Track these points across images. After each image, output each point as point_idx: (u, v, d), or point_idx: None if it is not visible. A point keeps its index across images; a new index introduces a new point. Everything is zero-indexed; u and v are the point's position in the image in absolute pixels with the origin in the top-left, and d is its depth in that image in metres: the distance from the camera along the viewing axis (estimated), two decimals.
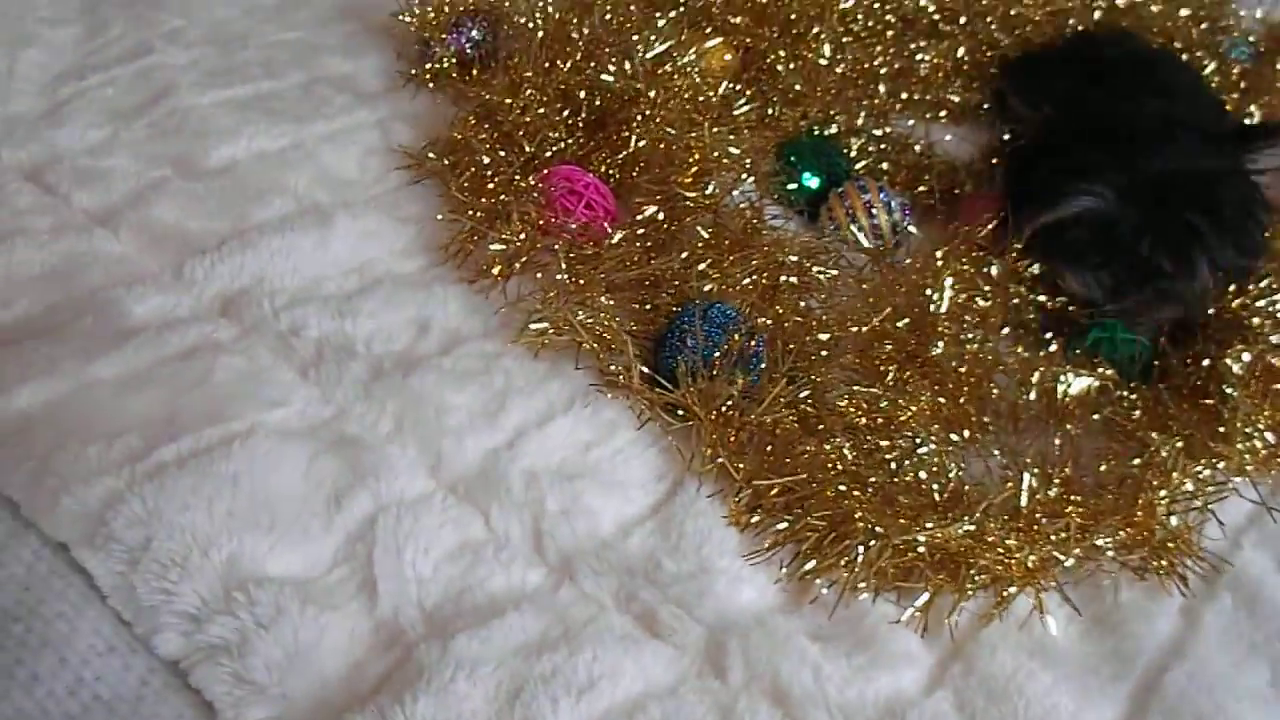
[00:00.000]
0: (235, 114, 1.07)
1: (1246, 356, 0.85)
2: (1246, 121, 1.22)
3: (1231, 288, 0.92)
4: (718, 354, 0.78)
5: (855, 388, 0.80)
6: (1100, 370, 0.86)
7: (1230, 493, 0.78)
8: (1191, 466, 0.77)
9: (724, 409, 0.76)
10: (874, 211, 1.00)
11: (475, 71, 1.14)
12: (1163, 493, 0.74)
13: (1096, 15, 1.39)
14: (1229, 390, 0.82)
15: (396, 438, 0.77)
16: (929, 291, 0.85)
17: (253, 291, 0.86)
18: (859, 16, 1.27)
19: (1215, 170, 0.96)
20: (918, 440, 0.77)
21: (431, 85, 1.14)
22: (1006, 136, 1.17)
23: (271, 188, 0.98)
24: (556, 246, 0.88)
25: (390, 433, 0.77)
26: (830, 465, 0.74)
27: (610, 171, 1.00)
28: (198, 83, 1.12)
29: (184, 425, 0.73)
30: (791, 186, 1.06)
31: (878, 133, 1.13)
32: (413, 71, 1.16)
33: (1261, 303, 0.91)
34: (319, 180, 1.00)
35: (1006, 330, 0.90)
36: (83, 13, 1.22)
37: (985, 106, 1.27)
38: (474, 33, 1.17)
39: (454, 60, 1.15)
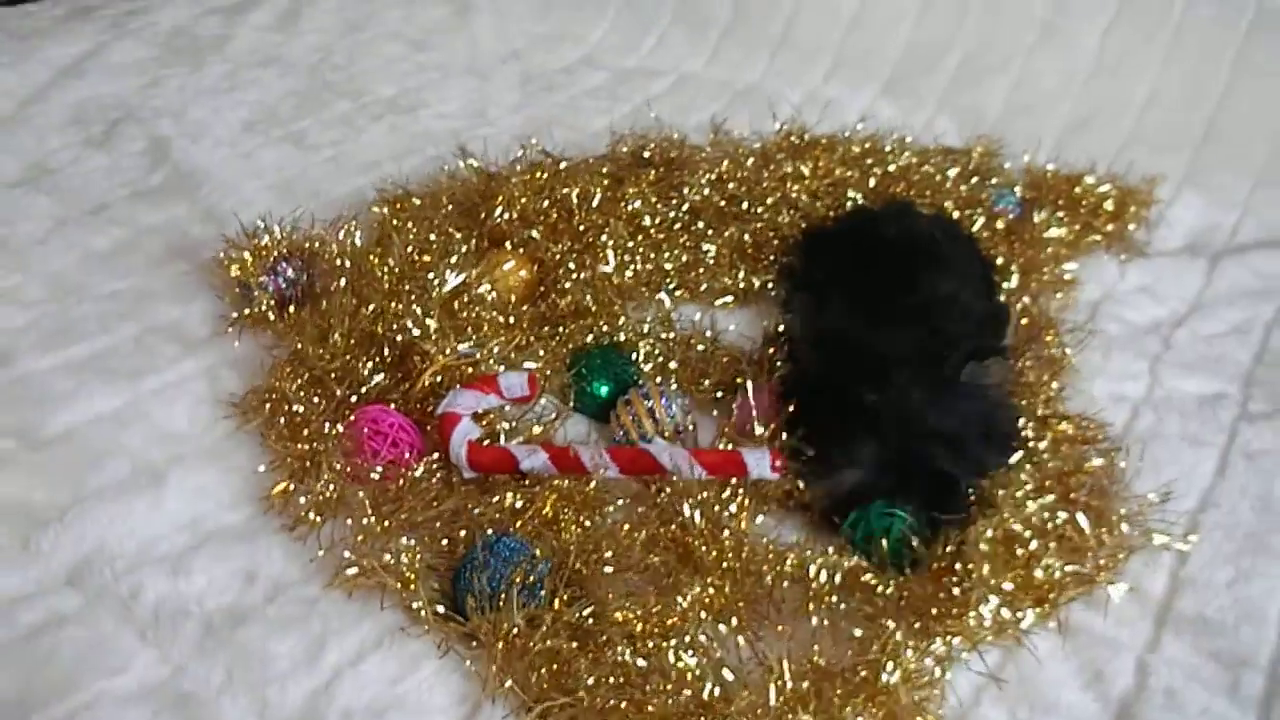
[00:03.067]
0: (73, 377, 1.18)
1: (989, 533, 0.98)
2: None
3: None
4: (502, 585, 0.91)
5: (630, 597, 0.93)
6: (853, 556, 1.00)
7: (962, 664, 0.92)
8: (925, 645, 0.90)
9: (512, 635, 0.88)
10: (656, 416, 1.14)
11: (293, 309, 1.26)
12: (898, 674, 0.88)
13: (872, 182, 1.56)
14: (970, 567, 0.96)
15: (228, 689, 0.88)
16: (685, 507, 0.98)
17: (94, 560, 0.97)
18: (646, 217, 1.41)
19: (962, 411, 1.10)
20: (687, 638, 0.90)
21: (254, 328, 1.26)
22: (781, 328, 1.30)
23: (108, 450, 1.09)
24: (361, 494, 1.00)
25: (222, 685, 0.88)
26: (612, 676, 0.86)
27: (414, 404, 1.13)
28: (36, 345, 1.23)
29: (32, 705, 0.84)
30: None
31: (664, 335, 1.26)
32: (234, 315, 1.28)
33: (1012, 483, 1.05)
34: (152, 438, 1.11)
35: (760, 518, 1.03)
36: None
37: (769, 287, 1.40)
38: (290, 273, 1.29)
39: (273, 301, 1.27)
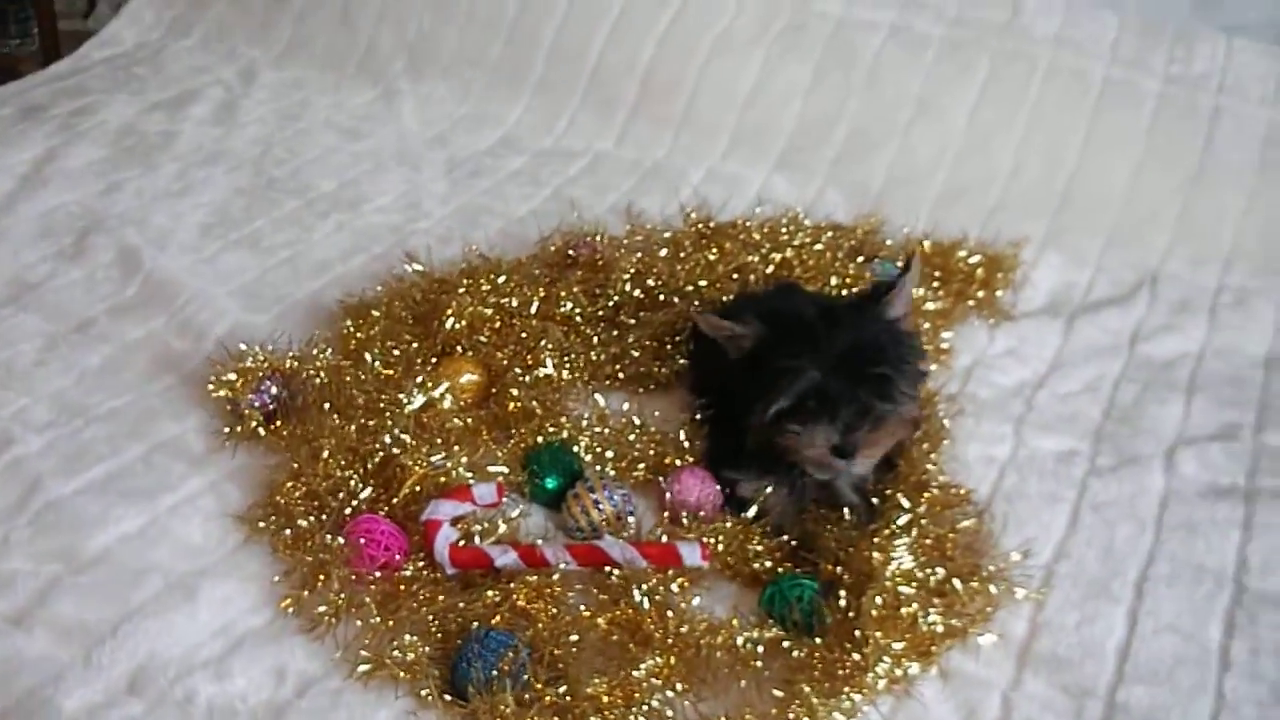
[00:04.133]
0: (97, 500, 1.35)
1: (879, 599, 1.21)
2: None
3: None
4: (494, 672, 1.12)
5: (596, 674, 1.15)
6: (772, 625, 1.22)
7: (863, 718, 1.14)
8: (834, 701, 1.13)
9: (506, 714, 1.10)
10: (601, 507, 1.36)
11: (279, 423, 1.46)
12: None
13: (770, 269, 1.78)
14: (866, 634, 1.18)
15: None
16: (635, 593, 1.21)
17: (149, 668, 1.16)
18: (577, 316, 1.62)
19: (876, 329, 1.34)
20: (645, 705, 1.12)
21: (246, 442, 1.45)
22: (700, 406, 1.52)
23: (142, 568, 1.27)
24: (368, 599, 1.21)
25: None
26: None
27: (398, 507, 1.34)
28: (58, 470, 1.40)
29: None
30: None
31: (599, 429, 1.47)
32: (227, 430, 1.46)
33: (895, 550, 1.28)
34: (177, 554, 1.30)
35: (696, 599, 1.25)
36: None
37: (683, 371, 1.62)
38: (274, 390, 1.48)
39: (261, 418, 1.46)
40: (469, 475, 1.35)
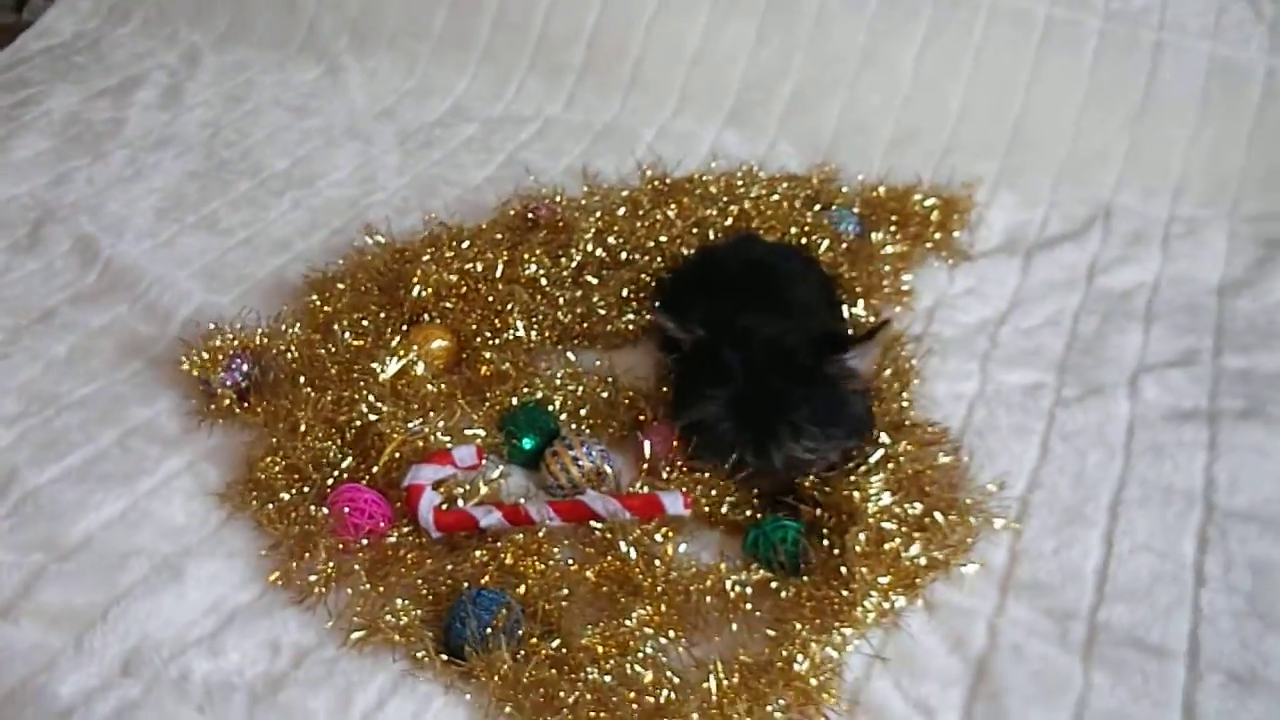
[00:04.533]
0: (75, 488, 1.35)
1: (862, 536, 1.23)
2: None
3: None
4: (489, 630, 1.13)
5: (588, 625, 1.16)
6: (758, 568, 1.24)
7: (854, 651, 1.17)
8: (825, 638, 1.15)
9: (504, 670, 1.11)
10: (580, 463, 1.36)
11: (252, 400, 1.46)
12: (806, 663, 1.12)
13: (729, 221, 1.79)
14: (853, 570, 1.20)
15: None
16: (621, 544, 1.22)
17: (142, 650, 1.16)
18: (542, 278, 1.63)
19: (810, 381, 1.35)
20: (640, 654, 1.14)
21: (221, 421, 1.45)
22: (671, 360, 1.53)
23: (126, 551, 1.27)
24: (357, 567, 1.21)
25: None
26: (588, 694, 1.10)
27: (379, 476, 1.34)
28: (32, 460, 1.39)
29: None
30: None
31: (572, 387, 1.48)
32: (200, 410, 1.46)
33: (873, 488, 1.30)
34: (160, 535, 1.29)
35: (682, 546, 1.27)
36: None
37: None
38: (245, 367, 1.48)
39: (234, 395, 1.46)
40: (446, 440, 1.35)
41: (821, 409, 1.33)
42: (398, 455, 1.33)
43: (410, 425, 1.35)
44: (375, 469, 1.33)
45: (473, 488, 1.32)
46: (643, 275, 1.66)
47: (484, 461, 1.35)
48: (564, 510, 1.28)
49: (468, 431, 1.38)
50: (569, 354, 1.55)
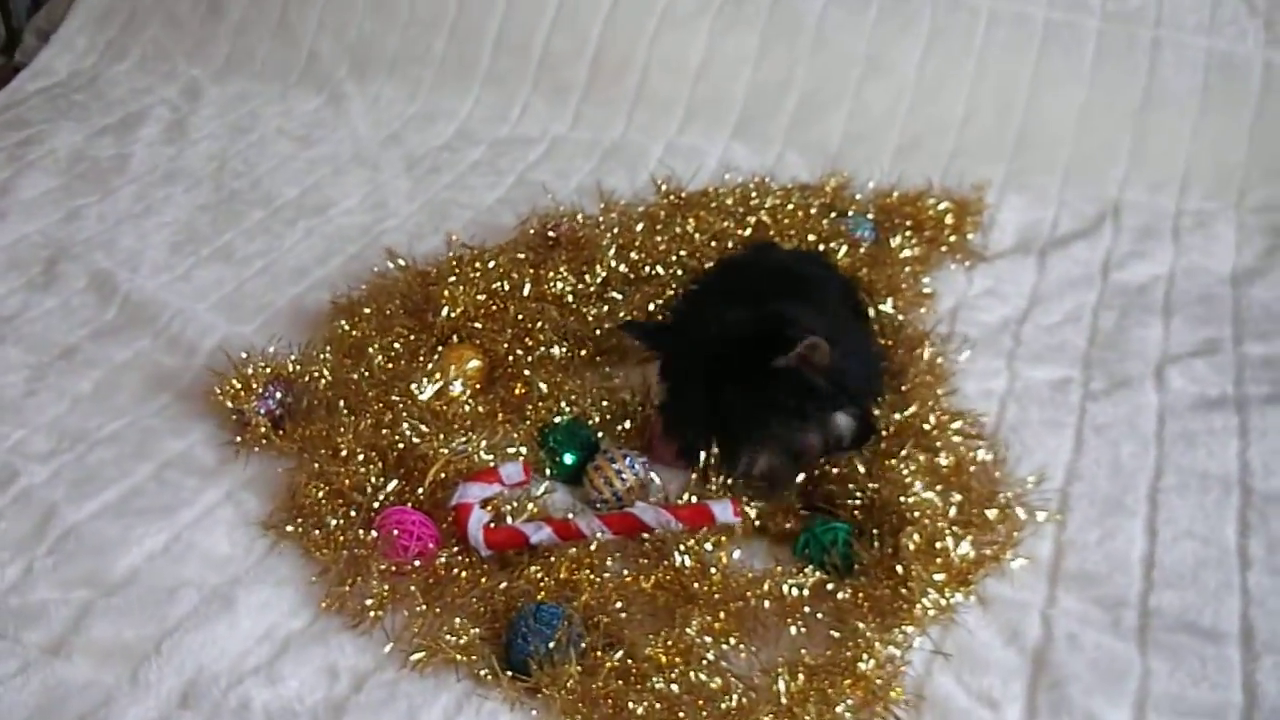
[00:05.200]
0: (115, 522, 1.34)
1: (916, 537, 1.24)
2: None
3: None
4: (551, 644, 1.13)
5: (649, 634, 1.16)
6: (813, 570, 1.24)
7: (917, 647, 1.17)
8: (887, 636, 1.16)
9: (570, 684, 1.11)
10: (623, 476, 1.37)
11: (287, 428, 1.45)
12: (872, 662, 1.13)
13: (747, 232, 1.80)
14: (911, 569, 1.21)
15: None
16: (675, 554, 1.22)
17: (199, 681, 1.15)
18: (568, 295, 1.63)
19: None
20: (703, 660, 1.14)
21: (256, 450, 1.45)
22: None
23: (174, 584, 1.26)
24: (413, 588, 1.21)
25: None
26: (656, 703, 1.09)
27: (424, 497, 1.34)
28: (69, 497, 1.38)
29: None
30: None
31: (606, 402, 1.48)
32: (237, 439, 1.46)
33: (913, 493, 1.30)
34: (206, 566, 1.29)
35: (739, 553, 1.27)
36: None
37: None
38: (279, 394, 1.48)
39: (269, 424, 1.46)
40: (489, 458, 1.35)
41: (785, 400, 1.33)
42: (443, 476, 1.33)
43: (454, 445, 1.35)
44: (421, 490, 1.32)
45: (519, 505, 1.31)
46: (666, 289, 1.66)
47: (531, 477, 1.34)
48: (614, 523, 1.28)
49: (510, 450, 1.38)
50: (607, 369, 1.55)
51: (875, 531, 1.27)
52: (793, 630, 1.20)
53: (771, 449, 1.34)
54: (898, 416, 1.41)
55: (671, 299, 1.65)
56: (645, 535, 1.27)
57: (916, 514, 1.26)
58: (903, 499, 1.28)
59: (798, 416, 1.34)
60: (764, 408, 1.33)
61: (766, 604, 1.21)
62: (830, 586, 1.23)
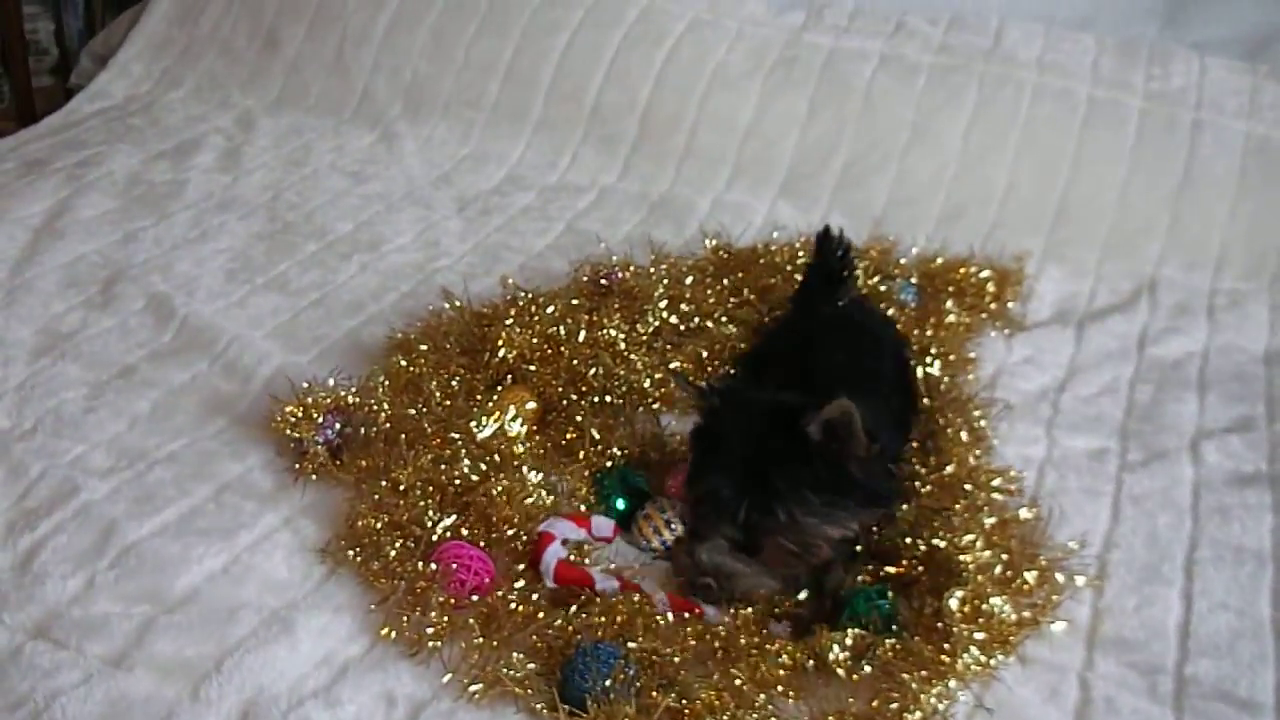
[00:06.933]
0: (175, 541, 1.36)
1: (960, 593, 1.27)
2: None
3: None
4: (608, 682, 1.16)
5: (700, 681, 1.19)
6: (858, 631, 1.27)
7: (960, 700, 1.20)
8: (930, 690, 1.19)
9: None
10: (673, 526, 1.40)
11: (345, 459, 1.48)
12: (918, 714, 1.15)
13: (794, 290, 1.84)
14: (950, 625, 1.24)
15: None
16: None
17: (259, 701, 1.18)
18: (620, 342, 1.67)
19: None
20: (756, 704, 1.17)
21: (314, 477, 1.48)
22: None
23: (234, 605, 1.29)
24: (471, 620, 1.24)
25: None
26: None
27: (480, 532, 1.37)
28: (130, 514, 1.41)
29: None
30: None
31: (654, 454, 1.52)
32: (296, 466, 1.49)
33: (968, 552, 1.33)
34: (265, 589, 1.31)
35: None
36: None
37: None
38: (337, 425, 1.51)
39: (327, 453, 1.49)
40: (550, 498, 1.38)
41: (822, 479, 1.31)
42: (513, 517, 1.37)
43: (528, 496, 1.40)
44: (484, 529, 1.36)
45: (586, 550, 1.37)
46: (717, 342, 1.69)
47: (615, 538, 1.40)
48: (678, 604, 1.32)
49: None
50: (662, 418, 1.59)
51: (915, 592, 1.29)
52: (839, 678, 1.22)
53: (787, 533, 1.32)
54: (935, 474, 1.46)
55: (730, 353, 1.68)
56: None
57: (971, 568, 1.28)
58: (962, 556, 1.30)
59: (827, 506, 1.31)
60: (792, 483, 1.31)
61: (811, 663, 1.23)
62: (869, 644, 1.25)
